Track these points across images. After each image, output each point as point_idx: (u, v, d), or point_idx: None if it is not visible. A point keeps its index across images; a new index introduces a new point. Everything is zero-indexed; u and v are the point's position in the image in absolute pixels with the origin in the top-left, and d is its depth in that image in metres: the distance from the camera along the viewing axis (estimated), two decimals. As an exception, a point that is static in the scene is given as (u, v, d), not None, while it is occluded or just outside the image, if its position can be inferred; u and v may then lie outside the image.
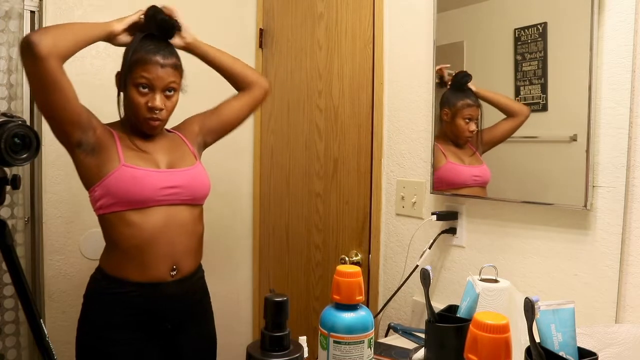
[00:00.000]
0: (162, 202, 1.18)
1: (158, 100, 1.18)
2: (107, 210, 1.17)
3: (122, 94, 1.23)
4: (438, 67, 1.36)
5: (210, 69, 1.39)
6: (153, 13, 1.22)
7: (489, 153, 1.27)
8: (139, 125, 1.22)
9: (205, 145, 1.41)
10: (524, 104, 1.17)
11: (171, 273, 1.20)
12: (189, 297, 1.27)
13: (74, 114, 1.12)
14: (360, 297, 0.83)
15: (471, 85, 1.30)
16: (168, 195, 1.19)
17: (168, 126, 1.36)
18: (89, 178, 1.18)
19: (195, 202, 1.26)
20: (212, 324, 1.38)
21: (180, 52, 1.30)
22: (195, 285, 1.30)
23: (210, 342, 1.37)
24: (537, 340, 0.76)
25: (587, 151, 1.05)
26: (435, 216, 1.36)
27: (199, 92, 1.40)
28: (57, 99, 1.09)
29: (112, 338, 1.17)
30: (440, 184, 1.38)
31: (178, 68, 1.22)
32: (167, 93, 1.20)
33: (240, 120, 1.43)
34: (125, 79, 1.18)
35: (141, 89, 1.17)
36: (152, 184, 1.17)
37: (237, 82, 1.41)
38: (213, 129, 1.40)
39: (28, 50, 1.03)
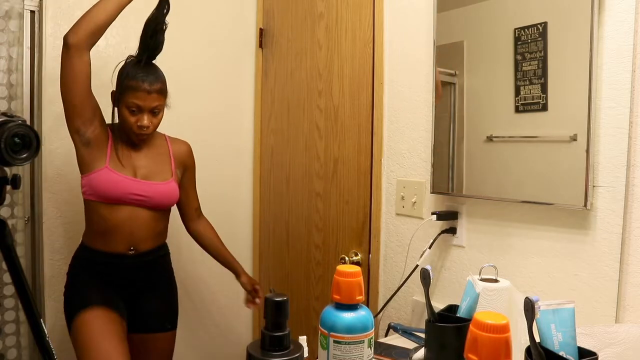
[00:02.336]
0: (129, 203, 1.45)
1: (146, 120, 1.43)
2: (87, 197, 1.45)
3: (116, 109, 1.47)
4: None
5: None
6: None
7: (489, 152, 1.27)
8: (129, 136, 1.49)
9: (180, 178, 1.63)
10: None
11: (129, 251, 1.48)
12: (146, 268, 1.54)
13: (80, 101, 1.36)
14: (360, 297, 0.83)
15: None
16: (135, 200, 1.45)
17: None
18: (81, 167, 1.45)
19: (158, 208, 1.52)
20: (175, 297, 1.65)
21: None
22: (155, 261, 1.56)
23: (171, 308, 1.63)
24: (537, 340, 0.76)
25: (587, 151, 1.06)
26: (435, 216, 1.36)
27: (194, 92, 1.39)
28: (67, 80, 1.34)
29: (88, 285, 1.47)
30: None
31: (163, 92, 1.46)
32: (154, 112, 1.45)
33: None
34: (118, 100, 1.43)
35: (132, 110, 1.42)
36: (124, 189, 1.43)
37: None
38: (180, 185, 1.62)
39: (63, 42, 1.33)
